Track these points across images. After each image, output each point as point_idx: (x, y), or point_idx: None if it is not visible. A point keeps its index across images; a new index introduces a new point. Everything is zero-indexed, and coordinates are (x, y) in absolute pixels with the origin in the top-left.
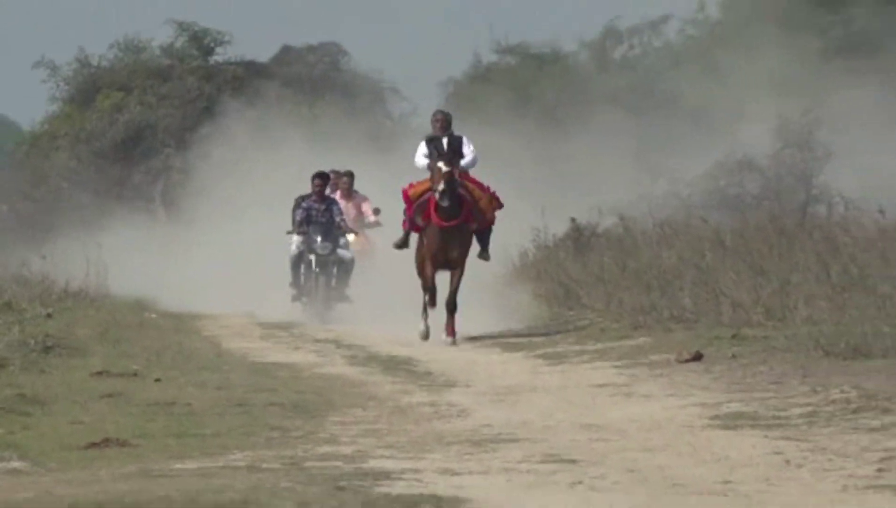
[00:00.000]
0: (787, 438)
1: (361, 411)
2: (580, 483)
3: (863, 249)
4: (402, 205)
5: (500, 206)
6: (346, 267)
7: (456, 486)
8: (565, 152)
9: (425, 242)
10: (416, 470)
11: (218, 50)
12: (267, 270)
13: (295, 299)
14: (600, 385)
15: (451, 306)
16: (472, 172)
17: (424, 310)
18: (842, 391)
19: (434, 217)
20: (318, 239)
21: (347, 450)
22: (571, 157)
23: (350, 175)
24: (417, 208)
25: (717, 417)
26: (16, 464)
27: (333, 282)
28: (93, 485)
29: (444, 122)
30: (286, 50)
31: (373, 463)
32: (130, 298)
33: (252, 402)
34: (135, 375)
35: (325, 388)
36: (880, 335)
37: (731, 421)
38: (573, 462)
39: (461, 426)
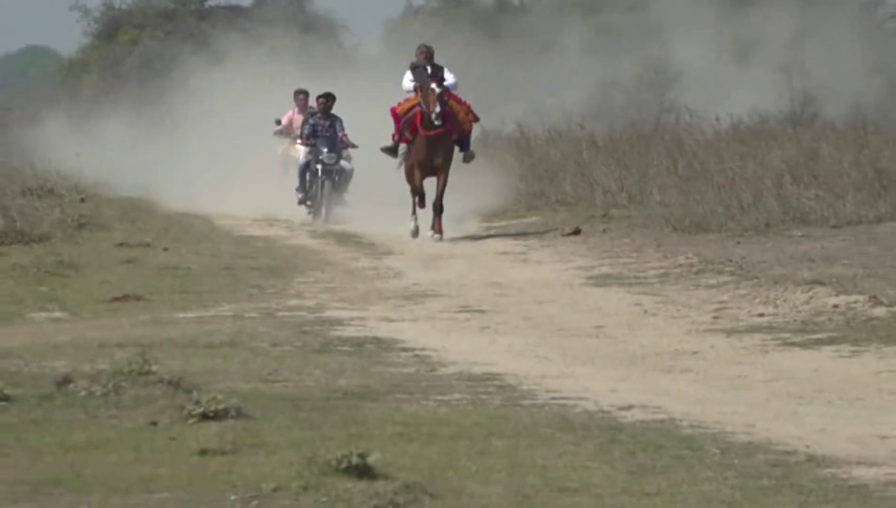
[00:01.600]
0: (645, 293)
1: (320, 273)
2: (488, 327)
3: (702, 148)
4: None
5: (476, 119)
6: (346, 176)
7: (392, 330)
8: (478, 77)
9: (413, 151)
10: (362, 318)
11: None
12: (247, 165)
13: (301, 202)
14: (503, 253)
15: (438, 207)
16: None
17: (413, 211)
18: (686, 258)
19: (420, 129)
20: (325, 150)
21: (310, 303)
22: (483, 80)
23: (305, 93)
24: (405, 122)
25: (591, 277)
26: (57, 314)
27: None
28: (116, 330)
29: (427, 53)
30: None
31: (329, 313)
32: (140, 187)
33: (236, 266)
34: (147, 246)
35: (292, 256)
36: (716, 215)
37: (602, 280)
38: (482, 311)
39: (396, 285)
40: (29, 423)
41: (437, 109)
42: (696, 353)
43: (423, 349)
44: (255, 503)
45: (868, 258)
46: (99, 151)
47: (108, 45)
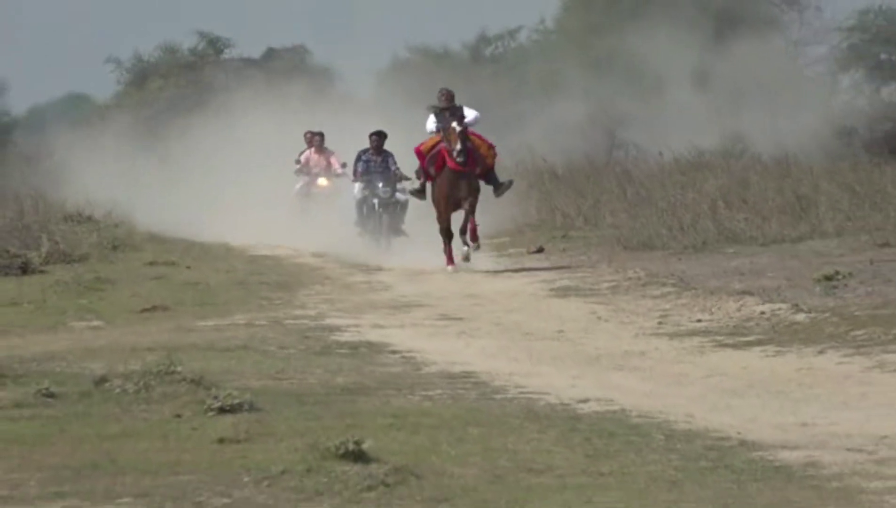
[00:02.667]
0: (599, 302)
1: (321, 286)
2: (464, 332)
3: (648, 178)
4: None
5: (496, 154)
6: (402, 207)
7: (382, 335)
8: (489, 129)
9: (439, 186)
10: (357, 325)
11: (226, 50)
12: (265, 200)
13: (360, 235)
14: (477, 269)
15: (465, 230)
16: None
17: (447, 256)
18: (634, 272)
19: (449, 163)
20: (380, 185)
21: (312, 312)
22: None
23: (321, 135)
24: (430, 159)
25: (553, 289)
26: (95, 323)
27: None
28: (145, 336)
29: (448, 96)
30: (270, 50)
31: (328, 321)
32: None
33: (249, 281)
34: (173, 264)
35: (297, 272)
36: (659, 235)
37: (562, 292)
38: (459, 319)
39: (386, 297)
40: (70, 416)
41: (459, 146)
42: (643, 353)
43: (408, 351)
44: (265, 483)
45: (790, 272)
46: (130, 184)
47: (139, 92)
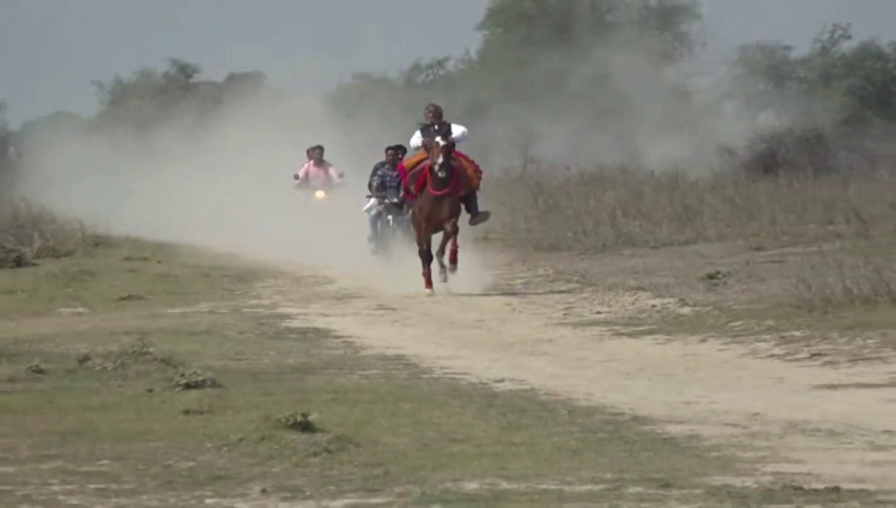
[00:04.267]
0: (514, 296)
1: (274, 280)
2: (397, 321)
3: (556, 189)
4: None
5: (481, 175)
6: None
7: (327, 322)
8: (390, 139)
9: (419, 206)
10: (305, 313)
11: (194, 75)
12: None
13: (374, 251)
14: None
15: (443, 252)
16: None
17: (426, 279)
18: (544, 270)
19: (430, 186)
20: (395, 200)
21: (266, 302)
22: (395, 141)
23: (321, 148)
24: (412, 177)
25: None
26: (79, 309)
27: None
28: (122, 321)
29: (435, 112)
30: (232, 76)
31: (281, 309)
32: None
33: (212, 275)
34: (146, 259)
35: (254, 267)
36: (566, 238)
37: (482, 288)
38: (393, 309)
39: (331, 289)
40: (57, 390)
41: (441, 160)
42: (550, 340)
43: (349, 336)
44: (225, 449)
45: (678, 271)
46: (109, 191)
47: (118, 111)
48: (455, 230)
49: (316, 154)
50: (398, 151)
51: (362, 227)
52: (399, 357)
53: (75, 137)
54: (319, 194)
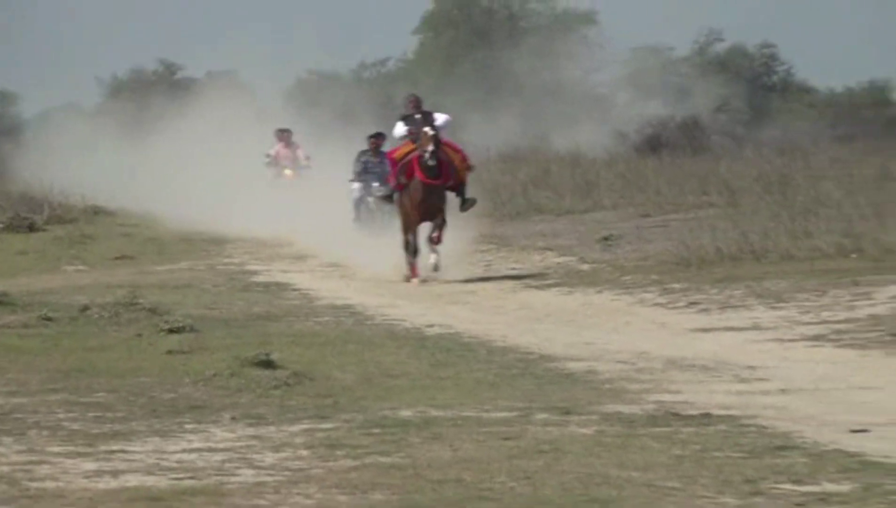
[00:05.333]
0: (442, 255)
1: (243, 243)
2: (345, 276)
3: (478, 166)
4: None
5: (470, 167)
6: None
7: (287, 278)
8: (339, 132)
9: (409, 196)
10: (269, 270)
11: (178, 72)
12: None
13: (357, 231)
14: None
15: (432, 240)
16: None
17: (410, 268)
18: (469, 233)
19: (419, 175)
20: (376, 185)
21: (237, 261)
22: (342, 133)
23: (289, 131)
24: (401, 167)
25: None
26: (81, 267)
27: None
28: (116, 277)
29: (415, 102)
30: (210, 73)
31: (248, 267)
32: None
33: (192, 238)
34: (136, 225)
35: (227, 233)
36: (487, 207)
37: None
38: (343, 267)
39: (290, 250)
40: (62, 334)
41: (430, 147)
42: (473, 292)
43: (305, 289)
44: (201, 383)
45: (579, 234)
46: (107, 171)
47: (115, 102)
48: (443, 223)
49: (285, 136)
50: (379, 138)
51: (325, 201)
52: (346, 306)
53: (78, 124)
54: (288, 172)
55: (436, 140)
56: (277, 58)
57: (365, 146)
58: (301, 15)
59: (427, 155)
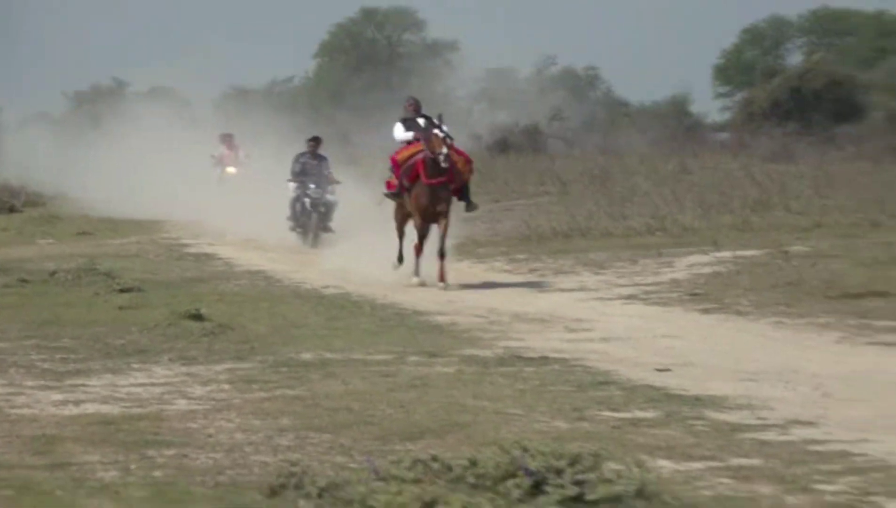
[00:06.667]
0: (339, 235)
1: (208, 237)
2: (259, 248)
3: (368, 164)
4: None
5: (472, 170)
6: (330, 207)
7: (214, 250)
8: (281, 137)
9: (415, 198)
10: (198, 243)
11: (127, 87)
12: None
13: (292, 229)
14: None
15: (442, 253)
16: None
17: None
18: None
19: (424, 178)
20: (312, 186)
21: (174, 236)
22: (264, 137)
23: (231, 135)
24: (405, 170)
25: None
26: (50, 240)
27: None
28: (78, 248)
29: (415, 105)
30: (154, 88)
31: (183, 241)
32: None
33: (139, 221)
34: (94, 209)
35: (167, 215)
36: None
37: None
38: (256, 241)
39: (215, 229)
40: (35, 293)
41: (444, 150)
42: (360, 267)
43: (228, 258)
44: (145, 332)
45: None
46: (70, 168)
47: (77, 112)
48: (447, 223)
49: (227, 140)
50: (317, 141)
51: (261, 195)
52: (260, 272)
53: (49, 129)
54: (230, 169)
55: (447, 143)
56: (205, 75)
57: (303, 148)
58: (223, 40)
59: (442, 157)
